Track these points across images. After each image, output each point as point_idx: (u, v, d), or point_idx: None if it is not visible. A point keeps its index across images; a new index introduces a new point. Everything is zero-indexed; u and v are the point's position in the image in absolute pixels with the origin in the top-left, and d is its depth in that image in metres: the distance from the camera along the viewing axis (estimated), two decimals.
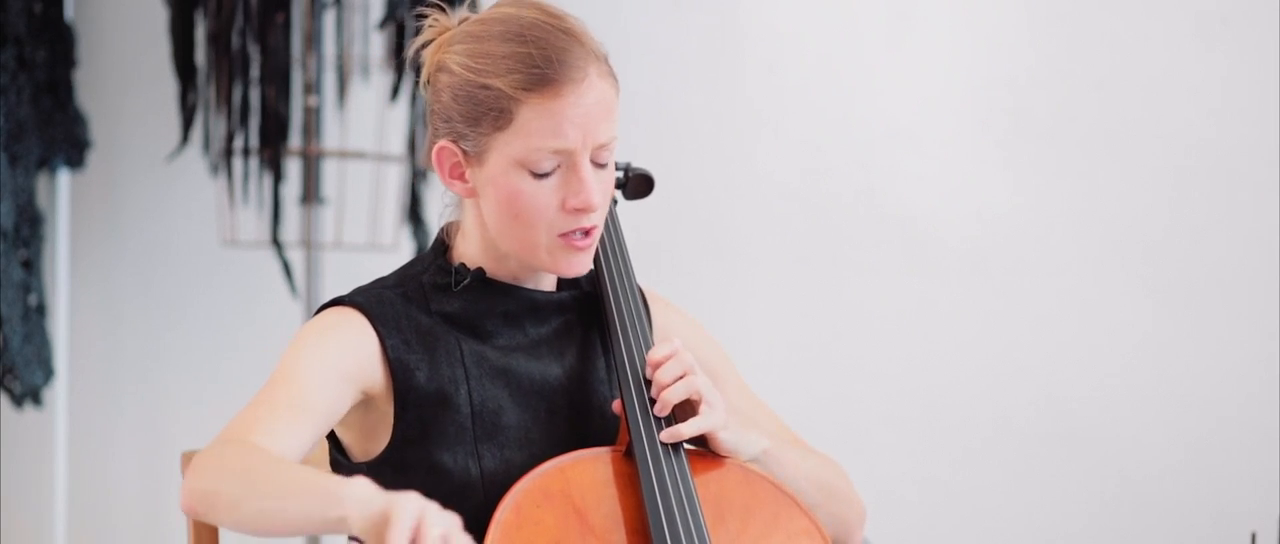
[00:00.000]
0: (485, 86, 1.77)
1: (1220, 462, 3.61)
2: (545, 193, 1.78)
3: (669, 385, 1.81)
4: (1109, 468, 3.66)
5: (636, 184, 2.03)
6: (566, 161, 1.78)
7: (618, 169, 2.04)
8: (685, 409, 1.83)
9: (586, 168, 1.78)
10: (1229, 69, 3.60)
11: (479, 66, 1.78)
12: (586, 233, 1.80)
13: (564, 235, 1.79)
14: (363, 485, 1.55)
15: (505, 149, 1.77)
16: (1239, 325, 3.61)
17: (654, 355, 1.82)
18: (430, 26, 1.85)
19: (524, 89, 1.75)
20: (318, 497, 1.56)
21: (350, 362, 1.78)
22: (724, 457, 1.85)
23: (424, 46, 1.86)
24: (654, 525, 1.73)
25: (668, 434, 1.80)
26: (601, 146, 1.79)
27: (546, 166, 1.77)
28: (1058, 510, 3.68)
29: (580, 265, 1.82)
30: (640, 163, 2.11)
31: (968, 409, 3.71)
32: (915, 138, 3.73)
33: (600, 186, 1.80)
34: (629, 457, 1.79)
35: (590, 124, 1.77)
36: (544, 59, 1.75)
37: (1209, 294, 3.62)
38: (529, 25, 1.78)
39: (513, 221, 1.79)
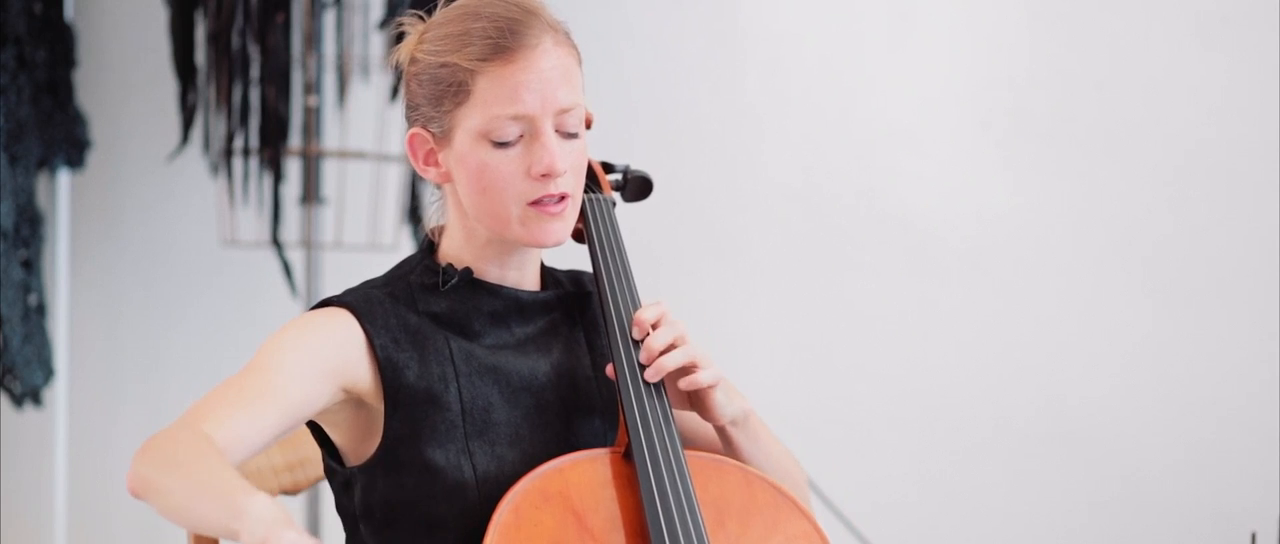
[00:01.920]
0: (443, 64, 1.79)
1: (1220, 462, 3.62)
2: (510, 162, 1.79)
3: (662, 352, 1.82)
4: (1109, 468, 3.66)
5: (635, 186, 2.03)
6: (529, 129, 1.79)
7: (617, 171, 2.04)
8: (675, 377, 1.85)
9: (549, 134, 1.79)
10: (1229, 69, 3.60)
11: (437, 48, 1.80)
12: (560, 199, 1.81)
13: (535, 203, 1.80)
14: (264, 505, 1.54)
15: (467, 123, 1.79)
16: (1239, 325, 3.61)
17: (641, 315, 1.84)
18: (408, 31, 1.87)
19: (479, 59, 1.77)
20: (222, 504, 1.56)
21: (332, 357, 1.78)
22: (722, 458, 1.85)
23: (401, 54, 1.88)
24: (653, 527, 1.72)
25: (687, 382, 1.82)
26: (564, 112, 1.80)
27: (509, 135, 1.78)
28: (1058, 510, 3.68)
29: (556, 234, 1.82)
30: (641, 164, 2.11)
31: (968, 409, 3.71)
32: (915, 138, 3.73)
33: (567, 154, 1.80)
34: (628, 458, 1.79)
35: (547, 89, 1.78)
36: (496, 30, 1.78)
37: (1209, 294, 3.62)
38: (484, 3, 1.81)
39: (482, 197, 1.80)
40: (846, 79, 3.76)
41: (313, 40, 3.56)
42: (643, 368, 1.82)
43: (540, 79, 1.78)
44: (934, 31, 3.73)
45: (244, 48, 3.53)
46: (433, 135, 1.83)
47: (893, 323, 3.74)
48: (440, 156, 1.83)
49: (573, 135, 1.82)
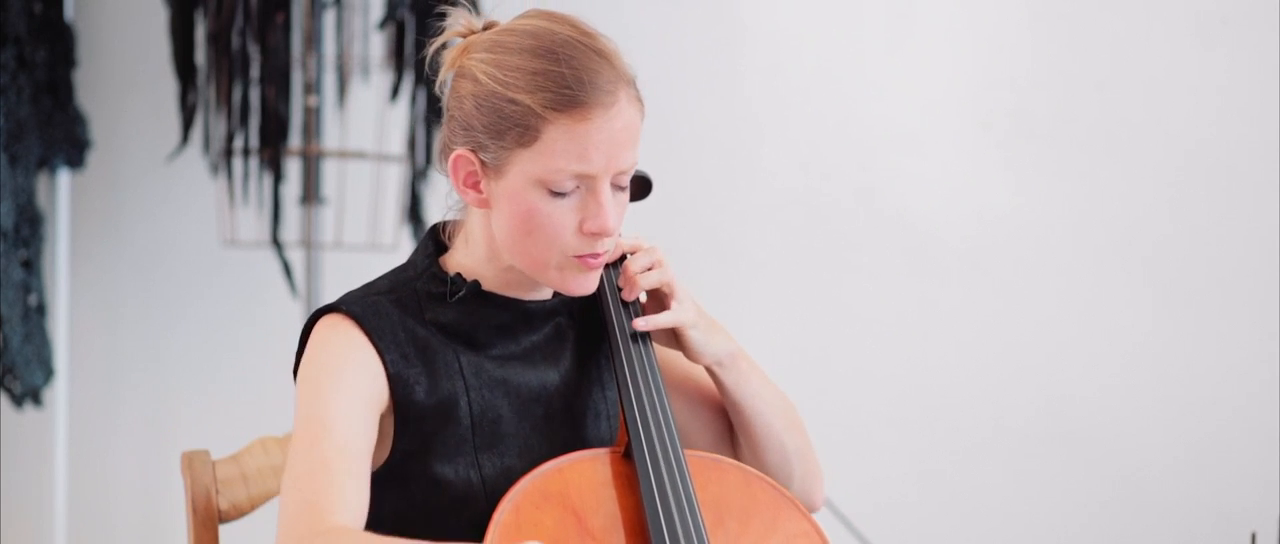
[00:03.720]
0: (512, 100, 1.73)
1: (1220, 462, 3.61)
2: (562, 213, 1.75)
3: (641, 273, 1.83)
4: (1109, 468, 3.66)
5: (634, 187, 2.02)
6: (587, 185, 1.76)
7: None
8: (656, 307, 1.86)
9: (606, 192, 1.76)
10: (1229, 69, 3.60)
11: (507, 79, 1.74)
12: (597, 255, 1.79)
13: (576, 256, 1.78)
14: None
15: (527, 166, 1.74)
16: (1239, 325, 3.61)
17: (623, 242, 1.85)
18: (451, 26, 1.81)
19: (553, 109, 1.72)
20: None
21: (367, 389, 1.76)
22: (722, 458, 1.85)
23: (442, 47, 1.82)
24: (652, 527, 1.72)
25: (641, 322, 1.82)
26: (623, 172, 1.77)
27: (566, 187, 1.75)
28: (1058, 510, 3.68)
29: (588, 285, 1.80)
30: (641, 165, 2.11)
31: (969, 409, 3.71)
32: (916, 139, 3.73)
33: (617, 211, 1.78)
34: (627, 458, 1.78)
35: (615, 150, 1.75)
36: (576, 80, 1.73)
37: (1209, 294, 3.62)
38: (562, 42, 1.75)
39: (525, 239, 1.77)
40: (847, 80, 3.76)
41: (313, 40, 3.56)
42: (623, 306, 1.83)
43: (611, 141, 1.74)
44: (934, 32, 3.73)
45: (244, 48, 3.53)
46: (482, 162, 1.77)
47: (893, 324, 3.74)
48: (484, 185, 1.78)
49: (623, 189, 1.80)
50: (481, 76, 1.76)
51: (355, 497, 1.69)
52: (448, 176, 1.81)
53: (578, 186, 1.76)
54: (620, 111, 1.75)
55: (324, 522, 1.65)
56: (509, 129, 1.74)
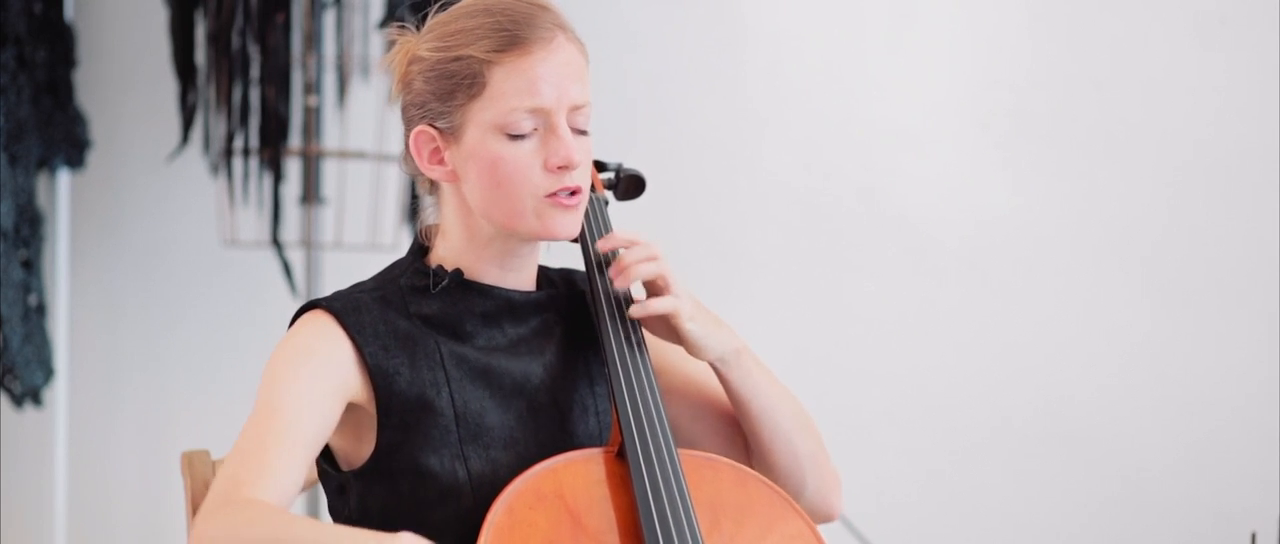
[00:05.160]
0: (457, 58, 1.78)
1: (1220, 462, 3.61)
2: (526, 155, 1.78)
3: (636, 263, 1.82)
4: (1109, 468, 3.66)
5: (628, 185, 2.02)
6: (544, 123, 1.79)
7: (609, 169, 2.04)
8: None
9: (564, 127, 1.79)
10: (1229, 69, 3.60)
11: (448, 43, 1.79)
12: (572, 193, 1.80)
13: (550, 196, 1.79)
14: (414, 539, 1.56)
15: (481, 116, 1.78)
16: (1239, 325, 3.61)
17: (618, 235, 1.85)
18: (400, 42, 1.86)
19: (495, 51, 1.77)
20: None
21: (332, 376, 1.77)
22: (717, 457, 1.84)
23: (395, 58, 1.86)
24: (646, 527, 1.72)
25: (637, 308, 1.82)
26: (577, 109, 1.80)
27: (525, 127, 1.78)
28: (1058, 510, 3.68)
29: (570, 227, 1.81)
30: (641, 164, 2.11)
31: (968, 410, 3.71)
32: (916, 139, 3.73)
33: (580, 148, 1.80)
34: (621, 458, 1.78)
35: (563, 82, 1.78)
36: (511, 22, 1.77)
37: (1209, 294, 3.62)
38: (495, 1, 1.80)
39: (496, 191, 1.79)
40: (847, 80, 3.77)
41: (313, 40, 3.56)
42: (616, 302, 1.83)
43: (556, 72, 1.78)
44: (934, 32, 3.73)
45: (244, 48, 3.53)
46: (440, 131, 1.81)
47: (893, 323, 3.74)
48: (447, 155, 1.82)
49: (583, 132, 1.82)
50: (426, 53, 1.81)
51: (283, 476, 1.69)
52: (414, 169, 1.85)
53: (536, 127, 1.79)
54: (561, 47, 1.79)
55: (240, 493, 1.67)
56: (457, 86, 1.78)
